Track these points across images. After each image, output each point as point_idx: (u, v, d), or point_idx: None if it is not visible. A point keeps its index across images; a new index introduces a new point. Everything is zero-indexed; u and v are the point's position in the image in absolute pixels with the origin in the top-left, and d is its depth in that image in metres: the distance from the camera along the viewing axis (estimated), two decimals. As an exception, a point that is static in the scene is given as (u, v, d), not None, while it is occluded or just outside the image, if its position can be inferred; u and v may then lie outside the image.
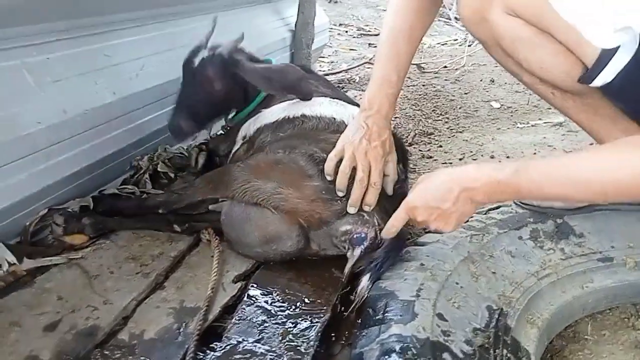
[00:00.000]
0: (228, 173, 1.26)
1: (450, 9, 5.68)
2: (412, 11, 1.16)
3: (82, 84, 1.34)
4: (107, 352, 0.94)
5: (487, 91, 2.99)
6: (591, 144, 2.03)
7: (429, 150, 2.12)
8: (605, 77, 0.94)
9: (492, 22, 1.06)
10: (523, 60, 1.07)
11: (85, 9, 1.39)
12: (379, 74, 1.17)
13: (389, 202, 1.21)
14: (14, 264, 1.14)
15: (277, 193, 1.18)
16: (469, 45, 4.66)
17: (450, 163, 2.00)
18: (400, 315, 0.90)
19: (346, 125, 1.26)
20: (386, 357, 0.82)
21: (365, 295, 1.00)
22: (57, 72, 1.27)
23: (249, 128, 1.51)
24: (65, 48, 1.32)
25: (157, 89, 1.62)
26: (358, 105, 1.46)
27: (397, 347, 0.83)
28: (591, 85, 0.98)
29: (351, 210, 1.14)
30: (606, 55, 0.92)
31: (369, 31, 5.65)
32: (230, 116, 1.69)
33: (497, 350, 0.88)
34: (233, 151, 1.55)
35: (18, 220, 1.22)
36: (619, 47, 0.90)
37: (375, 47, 4.90)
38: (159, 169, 1.66)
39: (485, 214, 1.27)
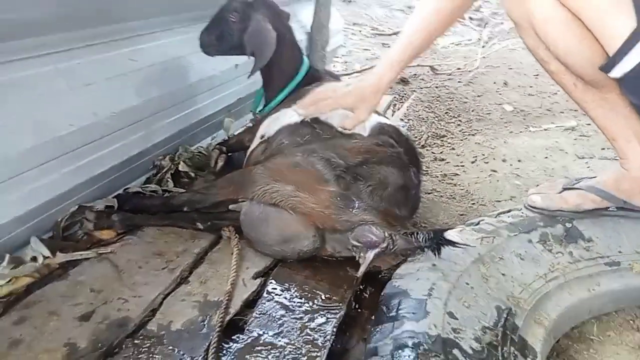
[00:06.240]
0: (248, 175, 1.32)
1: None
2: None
3: (111, 88, 1.40)
4: (137, 342, 1.00)
5: (500, 94, 3.01)
6: (602, 149, 2.07)
7: (441, 152, 2.17)
8: (624, 67, 0.98)
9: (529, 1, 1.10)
10: (551, 42, 1.12)
11: (112, 16, 1.46)
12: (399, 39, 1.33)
13: (402, 208, 1.26)
14: (48, 257, 1.21)
15: (295, 196, 1.23)
16: (483, 46, 4.68)
17: (462, 165, 2.04)
18: (413, 313, 0.95)
19: (360, 133, 1.38)
20: (399, 351, 0.87)
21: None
22: (87, 77, 1.34)
23: (268, 128, 1.56)
24: (94, 53, 1.39)
25: (179, 91, 1.69)
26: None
27: (410, 343, 0.88)
28: (610, 74, 1.02)
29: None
30: (627, 46, 0.96)
31: (382, 31, 5.67)
32: (258, 110, 1.76)
33: (505, 348, 0.93)
34: (250, 149, 1.61)
35: (51, 217, 1.29)
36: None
37: (388, 47, 4.94)
38: (180, 169, 1.74)
39: (495, 217, 1.31)
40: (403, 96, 2.96)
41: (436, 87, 3.19)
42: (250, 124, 1.91)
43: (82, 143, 1.29)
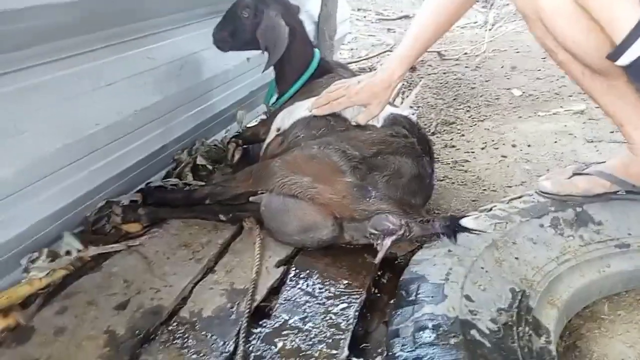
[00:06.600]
0: (267, 168, 1.37)
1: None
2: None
3: (131, 86, 1.45)
4: (171, 328, 1.07)
5: (509, 78, 3.02)
6: (611, 132, 2.09)
7: (451, 139, 2.20)
8: (631, 55, 1.01)
9: None
10: (559, 34, 1.15)
11: (129, 16, 1.49)
12: (407, 35, 1.37)
13: (417, 196, 1.31)
14: (81, 250, 1.28)
15: (313, 187, 1.28)
16: (489, 29, 4.65)
17: (473, 152, 2.07)
18: (432, 297, 1.01)
19: (373, 125, 1.43)
20: (420, 333, 0.93)
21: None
22: (109, 76, 1.38)
23: (283, 121, 1.61)
24: (114, 53, 1.43)
25: (195, 86, 1.73)
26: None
27: (430, 325, 0.94)
28: (617, 62, 1.04)
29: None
30: (634, 34, 0.99)
31: (387, 16, 5.66)
32: (271, 103, 1.81)
33: (519, 328, 0.98)
34: (267, 142, 1.65)
35: (81, 212, 1.36)
36: None
37: (393, 32, 4.93)
38: (198, 162, 1.79)
39: (508, 203, 1.35)
40: (411, 83, 2.98)
41: (444, 72, 3.20)
42: (264, 117, 1.96)
43: (108, 141, 1.34)
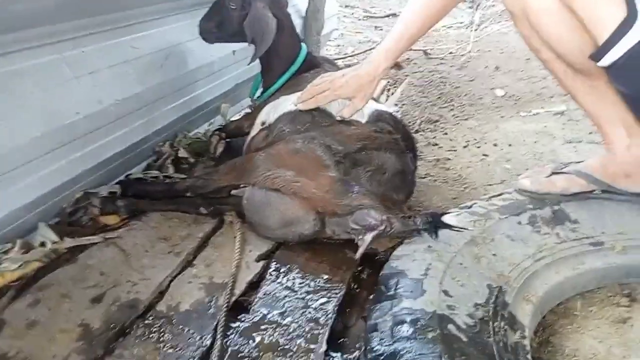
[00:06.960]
0: (250, 161, 1.36)
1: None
2: None
3: (114, 75, 1.42)
4: (148, 322, 1.05)
5: (492, 78, 3.05)
6: (590, 133, 2.13)
7: (434, 137, 2.21)
8: (613, 56, 1.03)
9: None
10: (544, 32, 1.16)
11: (114, 4, 1.46)
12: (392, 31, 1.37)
13: (399, 192, 1.32)
14: (56, 242, 1.25)
15: (296, 181, 1.28)
16: (475, 30, 4.69)
17: (455, 150, 2.09)
18: (411, 292, 1.01)
19: (358, 120, 1.44)
20: (398, 327, 0.93)
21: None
22: (91, 65, 1.36)
23: (268, 115, 1.60)
24: (97, 41, 1.41)
25: (179, 78, 1.71)
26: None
27: (408, 319, 0.94)
28: (599, 63, 1.06)
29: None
30: (616, 36, 1.01)
31: (374, 13, 5.66)
32: (256, 96, 1.79)
33: (495, 323, 0.99)
34: (251, 136, 1.64)
35: (57, 203, 1.33)
36: (629, 29, 0.99)
37: (381, 29, 4.93)
38: (180, 155, 1.77)
39: (487, 200, 1.37)
40: (397, 81, 2.99)
41: (429, 71, 3.22)
42: (249, 110, 1.94)
43: (87, 130, 1.32)
